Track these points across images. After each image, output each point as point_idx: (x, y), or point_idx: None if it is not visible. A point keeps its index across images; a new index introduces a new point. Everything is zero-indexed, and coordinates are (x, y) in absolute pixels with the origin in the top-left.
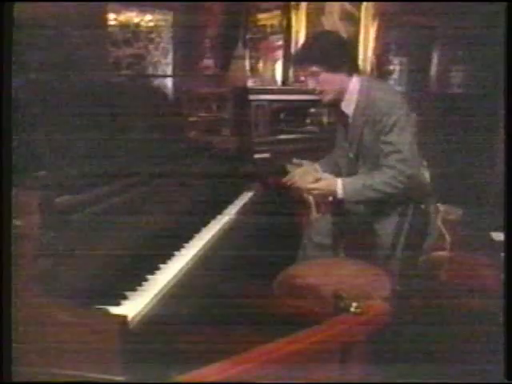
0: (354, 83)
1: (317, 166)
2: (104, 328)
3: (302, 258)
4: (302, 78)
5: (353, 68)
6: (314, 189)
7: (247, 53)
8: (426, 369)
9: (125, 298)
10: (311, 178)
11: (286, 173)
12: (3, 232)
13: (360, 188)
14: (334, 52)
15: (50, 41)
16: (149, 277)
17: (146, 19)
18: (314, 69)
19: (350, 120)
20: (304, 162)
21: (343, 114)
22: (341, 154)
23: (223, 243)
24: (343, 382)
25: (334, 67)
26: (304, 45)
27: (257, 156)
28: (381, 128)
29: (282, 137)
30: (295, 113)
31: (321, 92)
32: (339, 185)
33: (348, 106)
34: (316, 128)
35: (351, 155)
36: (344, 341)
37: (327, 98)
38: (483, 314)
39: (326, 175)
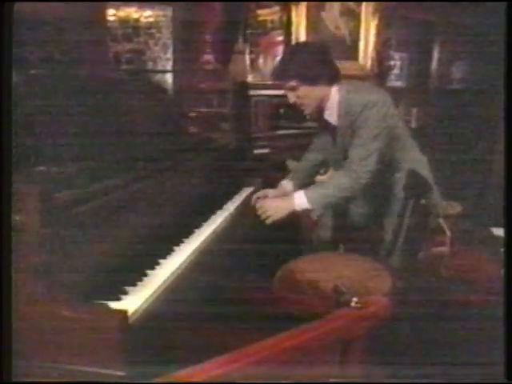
0: (335, 92)
1: (285, 182)
2: (104, 323)
3: (304, 252)
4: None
5: (333, 78)
6: (266, 215)
7: (247, 48)
8: (425, 369)
9: (125, 292)
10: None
11: (285, 168)
12: (3, 227)
13: (322, 194)
14: (311, 65)
15: (50, 36)
16: (149, 272)
17: (145, 15)
18: (292, 83)
19: (336, 128)
20: (270, 191)
21: (327, 123)
22: (332, 161)
23: (223, 238)
24: (343, 381)
25: (312, 80)
26: (282, 59)
27: (256, 151)
28: (354, 129)
29: (282, 132)
30: (295, 108)
31: (302, 105)
32: (299, 198)
33: (331, 115)
34: (315, 123)
35: (339, 162)
36: (344, 336)
37: (309, 110)
38: (483, 310)
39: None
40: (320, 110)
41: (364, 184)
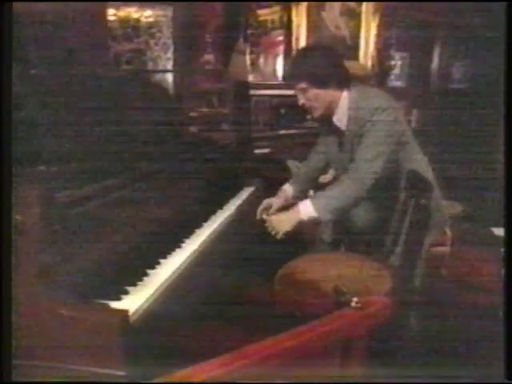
0: (345, 97)
1: (287, 186)
2: (105, 322)
3: (305, 253)
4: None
5: (343, 82)
6: (275, 230)
7: (248, 48)
8: (425, 369)
9: (125, 292)
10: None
11: (286, 168)
12: (3, 226)
13: (328, 201)
14: (323, 68)
15: (50, 36)
16: (149, 271)
17: (146, 14)
18: (303, 85)
19: (345, 133)
20: (274, 200)
21: (337, 128)
22: (337, 165)
23: (224, 238)
24: (343, 382)
25: (322, 84)
26: (293, 60)
27: (257, 151)
28: (362, 134)
29: (283, 132)
30: (295, 108)
31: (310, 108)
32: (305, 208)
33: (340, 120)
34: (316, 123)
35: (345, 168)
36: (344, 336)
37: (317, 113)
38: (484, 311)
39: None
40: (329, 113)
41: (369, 186)
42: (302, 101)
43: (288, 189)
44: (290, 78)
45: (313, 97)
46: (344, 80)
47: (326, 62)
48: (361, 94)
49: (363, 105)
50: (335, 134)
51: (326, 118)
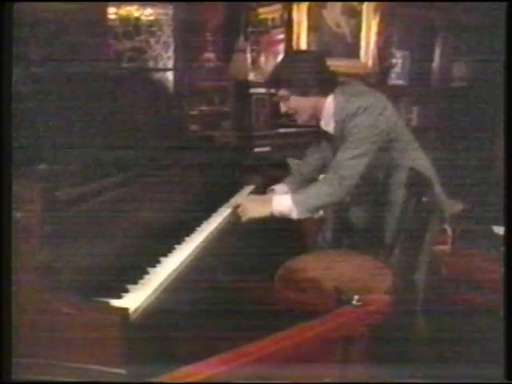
0: (330, 102)
1: (282, 186)
2: (105, 320)
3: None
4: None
5: (328, 88)
6: (243, 213)
7: (248, 46)
8: (425, 369)
9: (126, 290)
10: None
11: (286, 166)
12: (3, 224)
13: (306, 197)
14: (303, 77)
15: (51, 34)
16: (150, 270)
17: (146, 13)
18: (283, 93)
19: (334, 137)
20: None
21: (325, 133)
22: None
23: (224, 236)
24: (343, 381)
25: (303, 91)
26: (276, 67)
27: (257, 149)
28: (345, 134)
29: (283, 130)
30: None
31: (294, 114)
32: (279, 199)
33: (328, 125)
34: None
35: None
36: (345, 334)
37: (301, 119)
38: (484, 310)
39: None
40: (315, 119)
41: (349, 186)
42: (284, 108)
43: (279, 188)
44: (270, 85)
45: (294, 104)
46: (328, 85)
47: (306, 70)
48: (346, 96)
49: (345, 107)
50: (325, 138)
51: (313, 124)
